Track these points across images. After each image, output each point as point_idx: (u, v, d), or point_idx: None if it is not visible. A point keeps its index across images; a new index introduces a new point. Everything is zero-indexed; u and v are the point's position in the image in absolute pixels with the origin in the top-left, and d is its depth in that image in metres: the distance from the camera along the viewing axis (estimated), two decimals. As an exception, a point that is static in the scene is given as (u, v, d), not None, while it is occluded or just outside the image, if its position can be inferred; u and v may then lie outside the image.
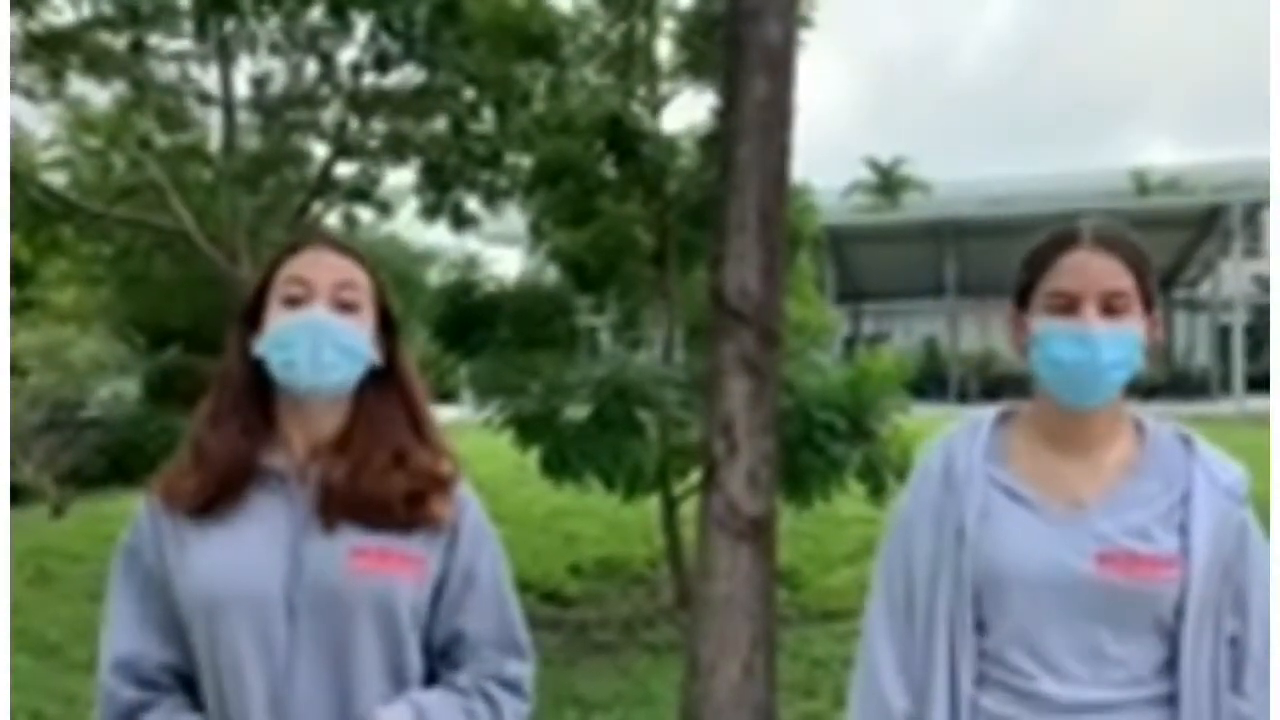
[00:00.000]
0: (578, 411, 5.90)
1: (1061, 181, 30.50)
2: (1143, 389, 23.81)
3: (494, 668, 1.55)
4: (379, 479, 1.48)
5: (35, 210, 9.34)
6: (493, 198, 8.70)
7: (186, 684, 1.49)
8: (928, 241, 24.73)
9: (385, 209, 10.58)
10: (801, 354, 6.26)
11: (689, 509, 7.01)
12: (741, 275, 3.56)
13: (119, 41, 8.31)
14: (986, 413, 1.65)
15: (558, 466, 5.98)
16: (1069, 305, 1.48)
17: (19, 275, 11.83)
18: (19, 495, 11.24)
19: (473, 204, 9.04)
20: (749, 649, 3.56)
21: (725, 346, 3.59)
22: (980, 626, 1.53)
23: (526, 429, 6.00)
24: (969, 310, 26.85)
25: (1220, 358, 24.35)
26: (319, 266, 1.51)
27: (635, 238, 6.64)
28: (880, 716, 1.59)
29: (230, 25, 8.51)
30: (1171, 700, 1.46)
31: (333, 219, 10.99)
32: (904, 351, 20.98)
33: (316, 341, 1.46)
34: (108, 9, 8.00)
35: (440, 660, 1.55)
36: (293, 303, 1.49)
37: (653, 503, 6.92)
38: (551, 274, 7.69)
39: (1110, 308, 1.47)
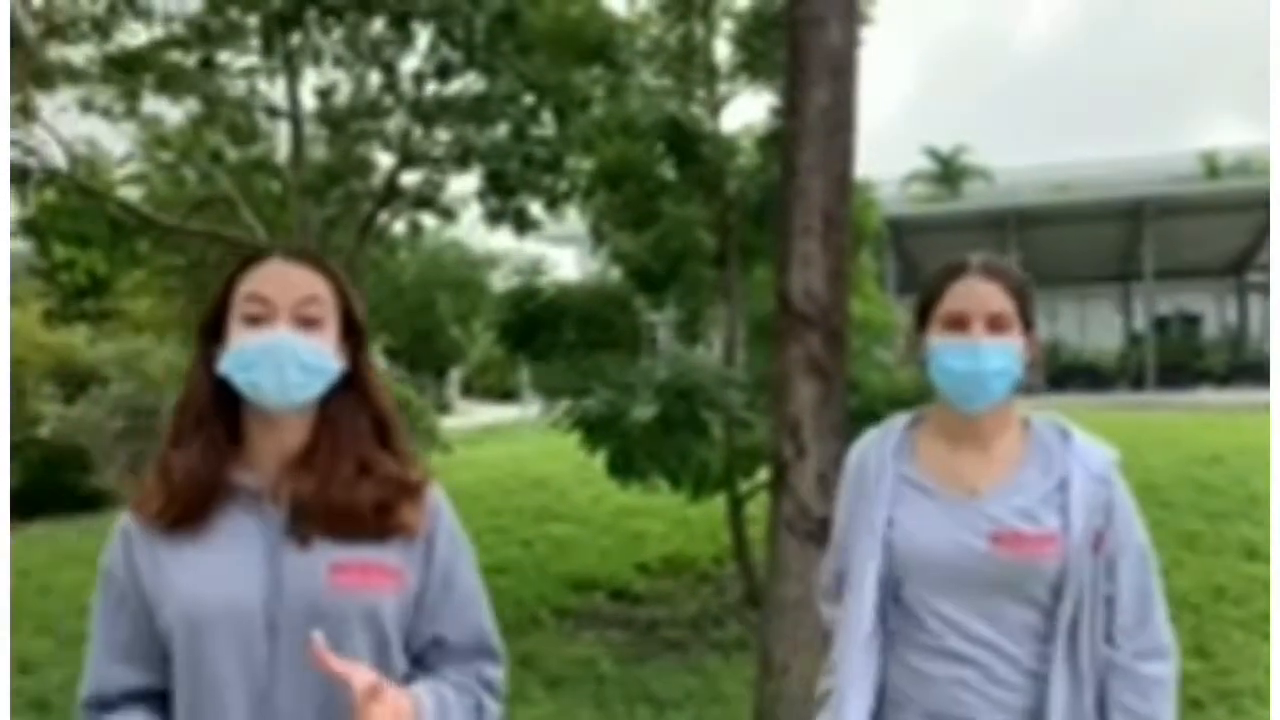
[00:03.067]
0: (643, 412, 5.96)
1: (1128, 166, 29.84)
2: (1216, 377, 23.23)
3: (474, 671, 1.58)
4: (346, 490, 1.47)
5: (113, 225, 9.67)
6: (554, 202, 8.81)
7: (154, 703, 1.49)
8: (990, 230, 24.35)
9: (449, 215, 10.74)
10: (866, 352, 6.26)
11: (754, 507, 7.06)
12: (807, 278, 3.60)
13: (190, 60, 8.58)
14: (900, 417, 1.91)
15: (624, 467, 6.05)
16: (960, 324, 1.75)
17: (98, 287, 12.23)
18: (103, 501, 11.63)
19: (535, 208, 9.16)
20: (823, 649, 3.59)
21: (792, 349, 3.62)
22: (898, 598, 1.81)
23: (593, 430, 6.07)
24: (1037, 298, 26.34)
25: (1298, 343, 23.62)
26: (280, 282, 1.49)
27: (697, 239, 6.68)
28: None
29: (296, 40, 8.75)
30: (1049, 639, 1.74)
31: (398, 227, 11.20)
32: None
33: (280, 361, 1.44)
34: (179, 29, 8.26)
35: (417, 666, 1.56)
36: (254, 321, 1.46)
37: (718, 501, 6.96)
38: (614, 275, 7.76)
39: (994, 325, 1.74)
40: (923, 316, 1.83)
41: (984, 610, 1.73)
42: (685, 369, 6.23)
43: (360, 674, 1.36)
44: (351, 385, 1.54)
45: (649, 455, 5.94)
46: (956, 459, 1.80)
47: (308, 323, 1.48)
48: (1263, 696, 4.75)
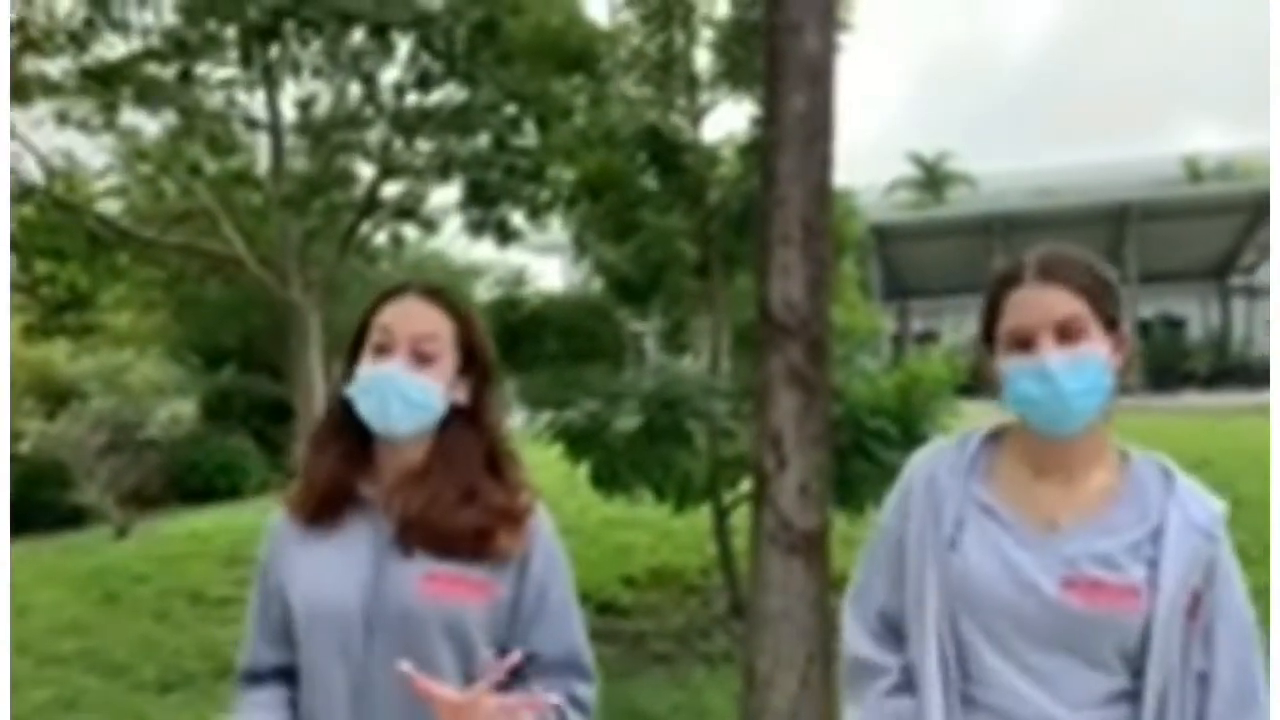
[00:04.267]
0: (626, 423, 5.92)
1: (1112, 171, 29.95)
2: (1201, 379, 23.33)
3: (566, 688, 1.63)
4: (448, 514, 1.58)
5: (92, 239, 9.58)
6: (536, 212, 8.77)
7: (295, 679, 1.65)
8: (976, 236, 24.44)
9: (431, 227, 10.69)
10: (849, 360, 6.23)
11: (740, 518, 7.01)
12: (787, 288, 3.56)
13: (168, 72, 8.51)
14: (974, 431, 1.68)
15: (608, 479, 6.01)
16: (1025, 342, 1.51)
17: (79, 302, 12.11)
18: (83, 517, 11.50)
19: (517, 218, 9.11)
20: (805, 662, 3.55)
21: (773, 360, 3.58)
22: (958, 638, 1.56)
23: (576, 442, 6.03)
24: (1019, 305, 26.35)
25: (1281, 345, 23.70)
26: (404, 317, 1.62)
27: (679, 249, 6.64)
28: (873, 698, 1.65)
29: (275, 51, 8.69)
30: None
31: (380, 238, 11.13)
32: (953, 348, 20.75)
33: (385, 396, 1.58)
34: (156, 42, 8.19)
35: (516, 681, 1.58)
36: (379, 351, 1.60)
37: (704, 512, 6.91)
38: (597, 285, 7.72)
39: (1065, 335, 1.49)
40: (987, 335, 1.59)
41: (1042, 668, 1.50)
42: (670, 379, 6.19)
43: (445, 694, 1.47)
44: (468, 416, 1.66)
45: (632, 466, 5.90)
46: (1037, 487, 1.56)
47: (422, 358, 1.60)
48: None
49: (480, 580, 1.59)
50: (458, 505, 1.59)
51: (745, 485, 6.43)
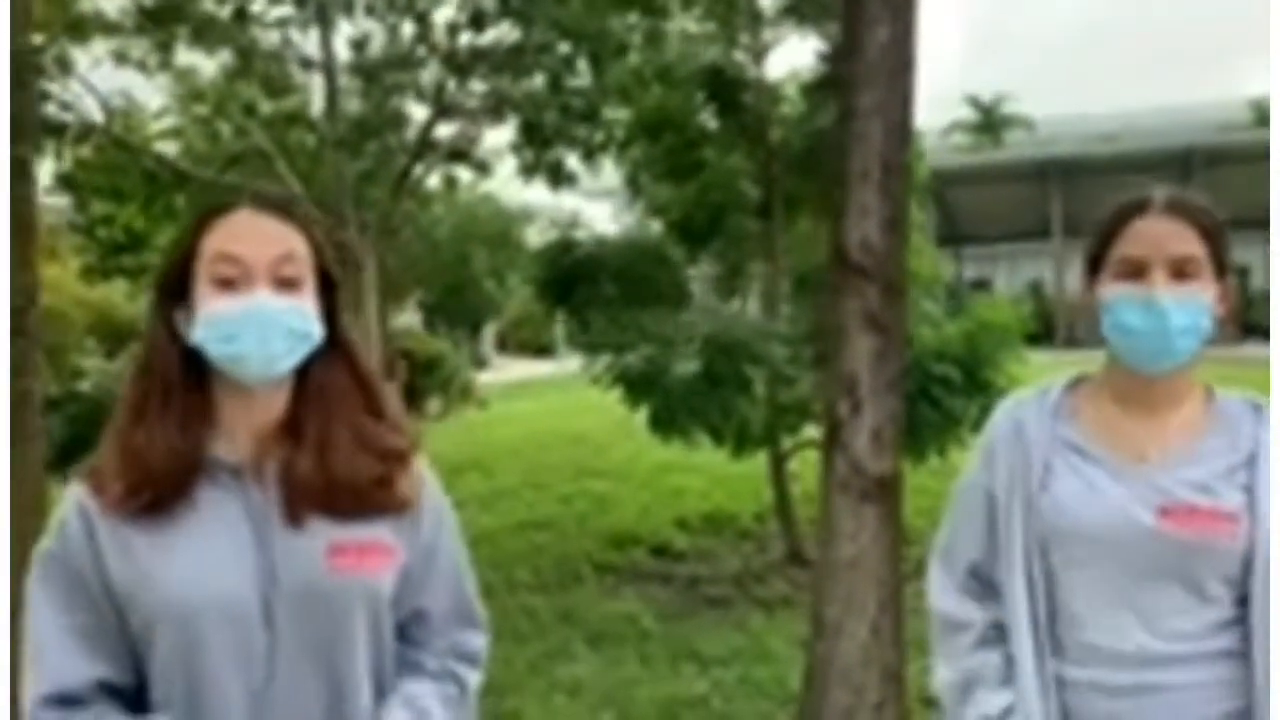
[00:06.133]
0: (685, 368, 5.87)
1: (1174, 115, 29.01)
2: (1263, 331, 22.73)
3: (455, 643, 1.53)
4: (347, 463, 1.37)
5: (150, 179, 9.63)
6: (591, 153, 8.64)
7: (122, 699, 1.37)
8: (1032, 181, 23.92)
9: (484, 169, 10.60)
10: (915, 305, 6.10)
11: (796, 464, 6.96)
12: (864, 229, 3.45)
13: (223, 11, 8.46)
14: (1057, 379, 1.68)
15: (667, 423, 5.98)
16: (1138, 271, 1.50)
17: (135, 242, 12.23)
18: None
19: (571, 161, 9.00)
20: (876, 610, 3.50)
21: (848, 303, 3.49)
22: (1050, 580, 1.56)
23: (635, 386, 5.99)
24: (1076, 252, 25.90)
25: (1347, 296, 23.01)
26: (253, 239, 1.34)
27: (740, 190, 6.52)
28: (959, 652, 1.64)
29: (329, -11, 8.60)
30: (1239, 655, 1.48)
31: (433, 181, 11.07)
32: (1007, 296, 20.38)
33: (264, 333, 1.32)
34: (212, -22, 8.15)
35: (400, 636, 1.51)
36: (227, 284, 1.33)
37: (758, 458, 6.87)
38: (652, 228, 7.62)
39: (1180, 273, 1.48)
40: (1095, 263, 1.57)
41: (1140, 602, 1.49)
42: (727, 324, 6.12)
43: None
44: (332, 349, 1.42)
45: (691, 411, 5.86)
46: (1125, 422, 1.56)
47: (286, 284, 1.35)
48: None
49: (388, 545, 1.41)
50: (354, 452, 1.38)
51: (804, 432, 6.37)
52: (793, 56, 6.86)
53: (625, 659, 5.23)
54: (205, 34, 8.45)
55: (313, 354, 1.40)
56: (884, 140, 3.41)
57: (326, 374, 1.42)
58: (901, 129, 3.46)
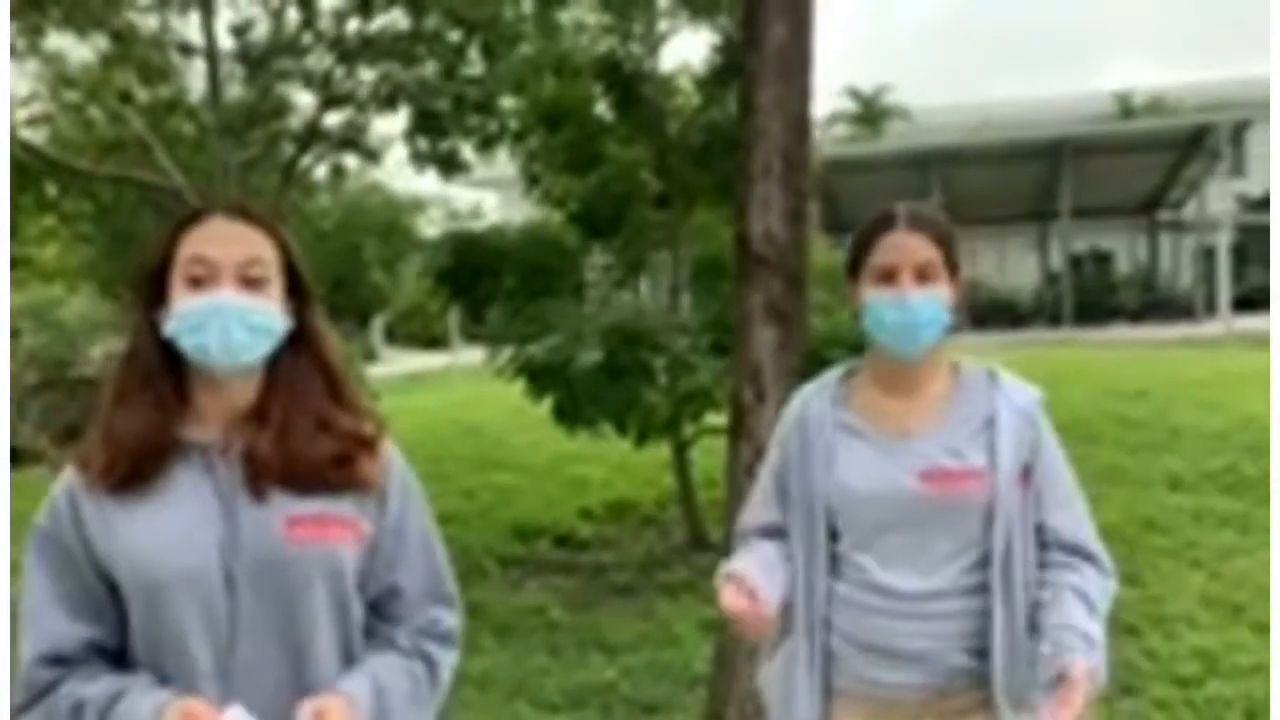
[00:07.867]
0: (589, 358, 5.91)
1: (1045, 107, 30.25)
2: (1129, 313, 23.95)
3: (428, 621, 1.61)
4: (306, 443, 1.49)
5: (17, 167, 9.17)
6: (487, 143, 8.59)
7: (111, 658, 1.49)
8: (912, 170, 24.59)
9: (373, 158, 10.43)
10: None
11: (694, 450, 7.07)
12: (767, 221, 3.56)
13: (97, -7, 8.12)
14: (834, 370, 2.00)
15: (571, 414, 6.01)
16: (889, 276, 1.81)
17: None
18: (19, 458, 11.20)
19: (466, 150, 8.92)
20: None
21: (752, 294, 3.59)
22: (835, 537, 1.88)
23: (538, 378, 6.01)
24: (958, 236, 26.70)
25: (1205, 280, 24.43)
26: (222, 243, 1.48)
27: (641, 182, 6.57)
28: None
29: (209, -27, 8.32)
30: (985, 588, 1.81)
31: (321, 170, 10.83)
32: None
33: (225, 325, 1.45)
34: (84, -40, 7.80)
35: (373, 613, 1.59)
36: (197, 283, 1.46)
37: (658, 446, 6.95)
38: (553, 219, 7.62)
39: (922, 276, 1.80)
40: (854, 267, 1.89)
41: (914, 547, 1.81)
42: (630, 314, 6.17)
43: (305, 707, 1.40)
44: (300, 342, 1.55)
45: (595, 402, 5.90)
46: (890, 403, 1.88)
47: (251, 283, 1.48)
48: (1194, 622, 4.94)
49: (349, 518, 1.51)
50: (313, 435, 1.50)
51: (707, 419, 6.48)
52: (685, 49, 6.94)
53: (534, 649, 5.26)
54: (77, 17, 8.09)
55: (281, 348, 1.53)
56: (784, 135, 3.52)
57: (294, 364, 1.55)
58: (801, 123, 3.57)
